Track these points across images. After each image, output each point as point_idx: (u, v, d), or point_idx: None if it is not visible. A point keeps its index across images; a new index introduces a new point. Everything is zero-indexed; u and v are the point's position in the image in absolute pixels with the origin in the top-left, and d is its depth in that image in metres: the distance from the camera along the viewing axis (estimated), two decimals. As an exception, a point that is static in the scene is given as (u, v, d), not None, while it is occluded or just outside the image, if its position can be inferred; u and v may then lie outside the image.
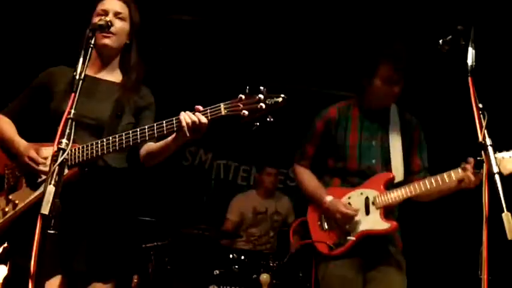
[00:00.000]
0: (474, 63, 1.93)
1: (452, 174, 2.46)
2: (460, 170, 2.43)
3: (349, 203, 2.70)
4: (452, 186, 2.47)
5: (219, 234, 4.68)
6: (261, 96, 1.91)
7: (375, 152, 2.76)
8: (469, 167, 2.38)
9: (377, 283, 2.64)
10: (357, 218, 2.65)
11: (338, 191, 2.76)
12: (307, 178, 2.88)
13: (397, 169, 2.73)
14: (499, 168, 1.98)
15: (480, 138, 1.82)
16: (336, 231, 2.71)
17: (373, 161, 2.75)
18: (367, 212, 2.66)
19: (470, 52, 1.95)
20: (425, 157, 2.84)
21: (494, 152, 2.16)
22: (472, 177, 2.36)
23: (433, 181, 2.52)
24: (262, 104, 1.90)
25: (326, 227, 2.76)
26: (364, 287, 2.65)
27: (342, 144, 2.77)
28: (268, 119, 1.93)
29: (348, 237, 2.65)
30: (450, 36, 2.02)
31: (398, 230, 2.74)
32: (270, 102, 1.91)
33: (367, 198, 2.68)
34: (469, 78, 1.91)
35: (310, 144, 2.88)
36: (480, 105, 1.84)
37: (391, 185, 2.69)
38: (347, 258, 2.65)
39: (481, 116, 1.84)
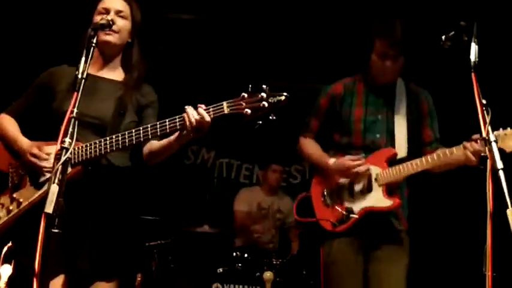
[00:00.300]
0: (477, 59, 1.92)
1: (455, 151, 2.44)
2: (461, 147, 2.41)
3: None
4: (455, 163, 2.45)
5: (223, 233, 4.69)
6: (264, 94, 1.91)
7: (380, 127, 2.74)
8: (468, 145, 2.36)
9: (379, 262, 2.63)
10: (359, 194, 2.64)
11: None
12: (311, 147, 2.88)
13: (401, 146, 2.70)
14: (503, 146, 1.99)
15: (484, 134, 1.81)
16: (339, 206, 2.68)
17: (378, 135, 2.73)
18: (370, 189, 2.64)
19: (473, 48, 1.94)
20: (437, 127, 2.79)
21: (497, 129, 2.16)
22: (472, 157, 2.34)
23: (435, 157, 2.49)
24: (264, 103, 1.90)
25: (329, 201, 2.74)
26: (367, 266, 2.65)
27: (347, 120, 2.76)
28: (270, 118, 1.92)
29: (351, 215, 2.63)
30: (453, 32, 2.01)
31: (405, 211, 2.73)
32: (272, 101, 1.91)
33: (369, 175, 2.65)
34: (472, 74, 1.90)
35: (314, 118, 2.88)
36: (484, 101, 1.84)
37: (393, 162, 2.65)
38: (350, 237, 2.64)
39: (485, 112, 1.83)
